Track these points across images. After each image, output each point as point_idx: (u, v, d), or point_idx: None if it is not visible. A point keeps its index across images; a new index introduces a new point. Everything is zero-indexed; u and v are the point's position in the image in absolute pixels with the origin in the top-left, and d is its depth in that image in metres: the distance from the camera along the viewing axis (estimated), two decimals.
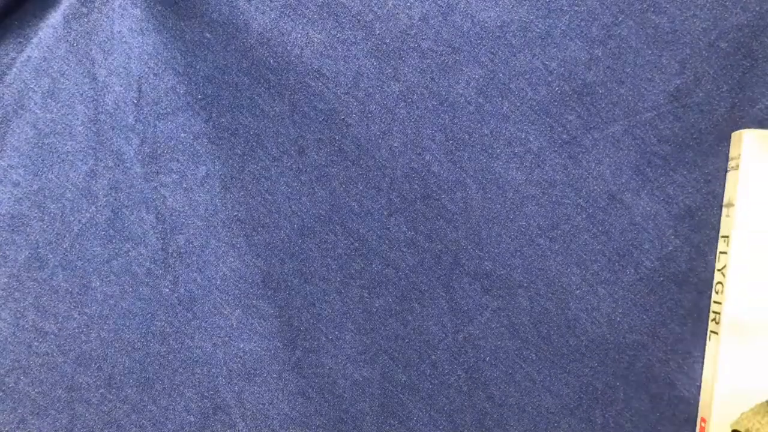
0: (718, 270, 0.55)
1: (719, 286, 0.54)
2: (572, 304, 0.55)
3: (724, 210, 0.55)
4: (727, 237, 0.54)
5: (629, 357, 0.55)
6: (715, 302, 0.55)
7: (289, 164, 0.57)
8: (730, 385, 0.53)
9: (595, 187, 0.56)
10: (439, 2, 0.57)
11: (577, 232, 0.55)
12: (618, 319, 0.55)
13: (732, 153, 0.55)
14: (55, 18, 0.59)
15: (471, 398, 0.56)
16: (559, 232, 0.56)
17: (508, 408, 0.56)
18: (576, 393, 0.55)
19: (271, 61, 0.57)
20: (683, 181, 0.55)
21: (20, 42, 0.59)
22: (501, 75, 0.56)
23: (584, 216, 0.55)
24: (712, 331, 0.55)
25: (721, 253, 0.55)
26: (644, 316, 0.55)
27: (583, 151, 0.56)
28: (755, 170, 0.54)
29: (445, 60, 0.57)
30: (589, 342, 0.55)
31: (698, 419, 0.55)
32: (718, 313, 0.54)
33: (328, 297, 0.56)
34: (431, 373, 0.56)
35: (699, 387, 0.54)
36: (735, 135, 0.55)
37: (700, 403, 0.55)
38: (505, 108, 0.56)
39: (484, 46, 0.57)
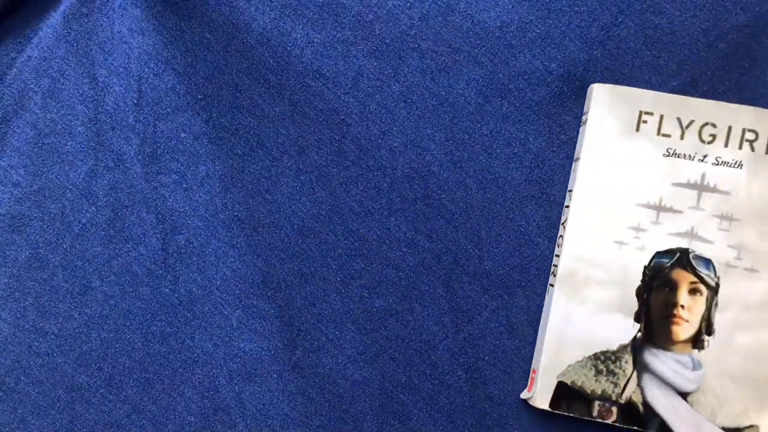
0: (562, 224, 0.55)
1: (560, 239, 0.55)
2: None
3: (573, 165, 0.56)
4: (571, 191, 0.55)
5: None
6: (556, 255, 0.55)
7: (289, 164, 0.57)
8: (559, 338, 0.54)
9: None
10: (439, 3, 0.57)
11: None
12: None
13: (585, 107, 0.56)
14: (55, 18, 0.59)
15: (471, 398, 0.56)
16: (557, 231, 0.56)
17: (507, 407, 0.56)
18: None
19: (271, 61, 0.57)
20: None
21: (20, 42, 0.59)
22: (501, 75, 0.56)
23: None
24: (550, 284, 0.55)
25: (565, 207, 0.55)
26: None
27: None
28: (601, 124, 0.55)
29: (445, 60, 0.57)
30: None
31: (530, 371, 0.56)
32: (556, 266, 0.55)
33: (328, 297, 0.56)
34: (431, 373, 0.56)
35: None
36: (589, 89, 0.55)
37: (534, 356, 0.56)
38: (504, 108, 0.56)
39: (484, 46, 0.57)
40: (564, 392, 0.54)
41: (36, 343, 0.58)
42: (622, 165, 0.54)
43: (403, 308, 0.56)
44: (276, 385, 0.57)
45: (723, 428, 0.53)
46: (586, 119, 0.55)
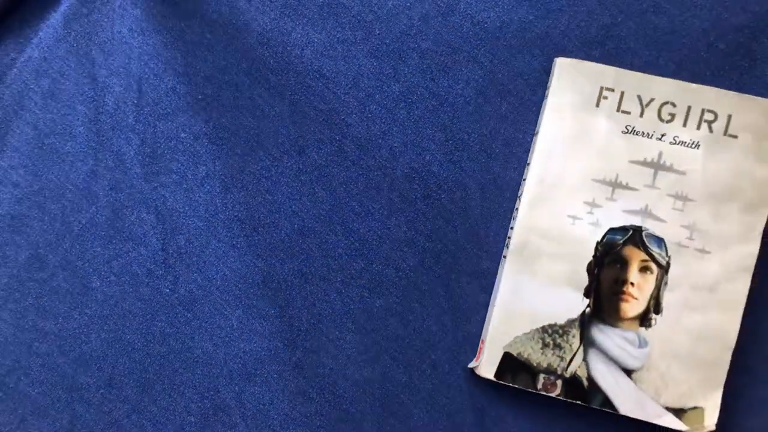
0: (519, 197, 0.55)
1: (516, 211, 0.55)
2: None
3: (534, 138, 0.56)
4: (529, 165, 0.55)
5: None
6: (510, 228, 0.56)
7: (289, 164, 0.57)
8: (507, 309, 0.54)
9: None
10: (438, 3, 0.57)
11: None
12: None
13: (549, 81, 0.56)
14: (55, 18, 0.59)
15: (471, 397, 0.56)
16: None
17: (506, 408, 0.56)
18: None
19: (272, 61, 0.57)
20: None
21: (20, 42, 0.59)
22: (500, 75, 0.56)
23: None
24: (503, 256, 0.55)
25: (523, 180, 0.56)
26: None
27: None
28: (562, 98, 0.55)
29: (444, 60, 0.57)
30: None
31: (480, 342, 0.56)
32: (510, 238, 0.55)
33: (328, 297, 0.56)
34: (431, 373, 0.56)
35: None
36: (554, 63, 0.55)
37: (484, 326, 0.56)
38: (503, 108, 0.56)
39: (484, 46, 0.57)
40: (510, 363, 0.54)
41: (36, 344, 0.58)
42: (580, 140, 0.54)
43: (403, 308, 0.56)
44: (276, 385, 0.57)
45: (667, 408, 0.53)
46: (548, 93, 0.55)
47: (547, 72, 0.56)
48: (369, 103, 0.57)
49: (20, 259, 0.58)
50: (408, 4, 0.57)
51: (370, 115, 0.57)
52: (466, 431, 0.55)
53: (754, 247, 0.53)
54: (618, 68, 0.54)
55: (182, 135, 0.58)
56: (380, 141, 0.57)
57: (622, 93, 0.54)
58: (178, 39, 0.58)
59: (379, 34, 0.57)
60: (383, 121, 0.57)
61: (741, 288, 0.53)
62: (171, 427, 0.57)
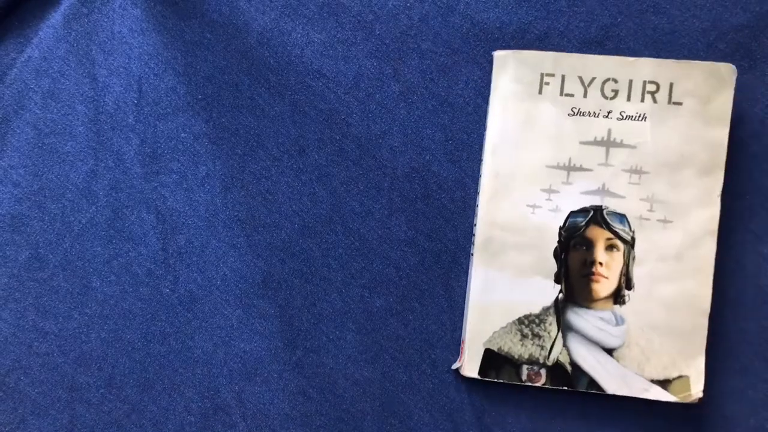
0: (479, 194, 0.55)
1: (477, 208, 0.55)
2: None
3: (484, 134, 0.56)
4: (482, 161, 0.55)
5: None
6: (474, 224, 0.56)
7: (289, 164, 0.57)
8: (481, 306, 0.54)
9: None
10: (438, 3, 0.57)
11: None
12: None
13: (492, 75, 0.56)
14: (55, 18, 0.59)
15: (470, 397, 0.56)
16: None
17: (505, 406, 0.56)
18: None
19: (272, 61, 0.57)
20: None
21: (20, 42, 0.59)
22: None
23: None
24: (471, 253, 0.55)
25: (480, 176, 0.56)
26: None
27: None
28: (505, 90, 0.55)
29: (444, 60, 0.57)
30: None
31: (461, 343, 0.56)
32: (474, 235, 0.55)
33: (328, 297, 0.56)
34: (431, 373, 0.56)
35: None
36: (493, 56, 0.55)
37: (462, 326, 0.56)
38: None
39: (483, 47, 0.57)
40: (492, 359, 0.54)
41: (36, 343, 0.58)
42: (529, 129, 0.54)
43: (403, 308, 0.56)
44: (276, 385, 0.57)
45: (652, 381, 0.53)
46: (491, 87, 0.55)
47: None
48: (369, 103, 0.57)
49: (20, 258, 0.58)
50: (408, 5, 0.57)
51: (370, 115, 0.57)
52: (465, 430, 0.56)
53: (715, 210, 0.53)
54: (556, 53, 0.55)
55: (182, 135, 0.58)
56: (380, 141, 0.57)
57: (563, 76, 0.54)
58: (178, 39, 0.58)
59: (379, 34, 0.57)
60: (383, 121, 0.57)
61: (708, 252, 0.53)
62: (171, 426, 0.57)
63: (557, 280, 0.54)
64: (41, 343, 0.58)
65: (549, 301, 0.54)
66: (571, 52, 0.56)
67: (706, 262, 0.53)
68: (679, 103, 0.53)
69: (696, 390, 0.53)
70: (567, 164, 0.54)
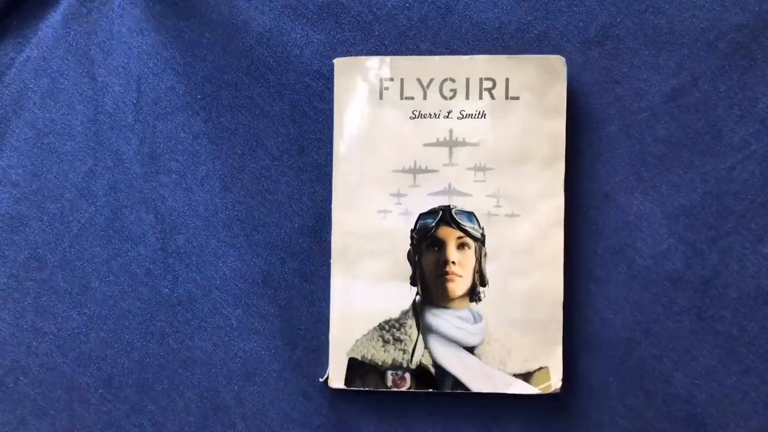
0: (332, 204, 0.56)
1: (332, 217, 0.56)
2: (565, 301, 0.55)
3: (333, 143, 0.56)
4: (333, 170, 0.56)
5: (622, 354, 0.55)
6: (330, 234, 0.56)
7: (289, 163, 0.57)
8: (343, 315, 0.55)
9: (590, 186, 0.56)
10: (437, 4, 0.57)
11: (571, 230, 0.55)
12: (610, 316, 0.55)
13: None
14: (54, 18, 0.59)
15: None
16: None
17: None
18: (571, 390, 0.55)
19: (271, 61, 0.57)
20: (678, 181, 0.55)
21: (19, 42, 0.59)
22: None
23: (578, 214, 0.56)
24: (330, 263, 0.56)
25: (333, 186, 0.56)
26: (637, 314, 0.55)
27: (578, 150, 0.56)
28: (347, 98, 0.56)
29: None
30: (582, 339, 0.55)
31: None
32: (330, 245, 0.56)
33: (328, 296, 0.56)
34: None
35: (697, 385, 0.55)
36: (333, 64, 0.56)
37: (329, 338, 0.56)
38: None
39: (482, 47, 0.57)
40: (357, 368, 0.55)
41: (35, 344, 0.58)
42: (373, 135, 0.55)
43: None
44: (276, 384, 0.57)
45: (514, 375, 0.54)
46: (334, 96, 0.56)
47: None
48: None
49: (19, 258, 0.58)
50: (407, 5, 0.57)
51: None
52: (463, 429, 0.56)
53: (559, 201, 0.54)
54: (393, 57, 0.56)
55: (181, 134, 0.58)
56: None
57: (402, 80, 0.55)
58: (177, 38, 0.58)
59: (378, 35, 0.57)
60: None
61: (556, 243, 0.54)
62: (170, 426, 0.57)
63: (413, 283, 0.55)
64: (40, 343, 0.58)
65: (407, 304, 0.55)
66: (571, 52, 0.56)
67: (555, 252, 0.54)
68: (516, 98, 0.54)
69: (555, 380, 0.54)
70: (413, 167, 0.55)
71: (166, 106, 0.58)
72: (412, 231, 0.55)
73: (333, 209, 0.55)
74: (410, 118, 0.55)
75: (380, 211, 0.55)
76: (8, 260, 0.58)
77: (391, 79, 0.55)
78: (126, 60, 0.58)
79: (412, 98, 0.55)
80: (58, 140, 0.58)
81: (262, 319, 0.57)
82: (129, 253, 0.58)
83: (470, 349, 0.54)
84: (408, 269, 0.54)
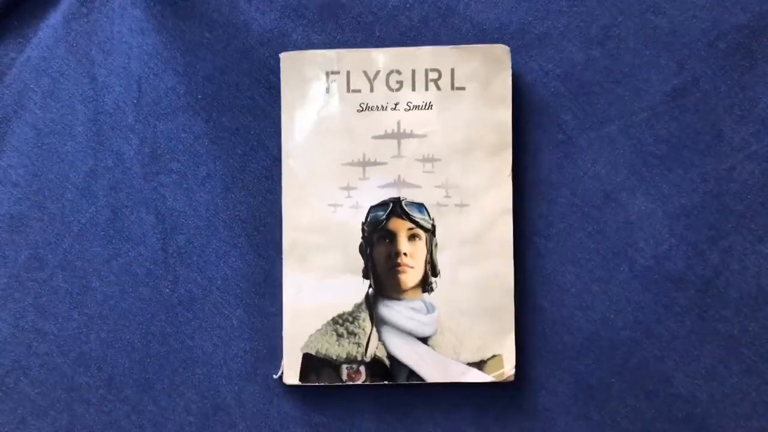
0: (282, 199, 0.56)
1: (281, 213, 0.56)
2: (567, 301, 0.55)
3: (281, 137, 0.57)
4: (281, 164, 0.56)
5: (623, 354, 0.55)
6: (281, 229, 0.56)
7: None
8: (295, 310, 0.55)
9: (591, 186, 0.56)
10: (438, 4, 0.57)
11: (572, 230, 0.56)
12: (612, 316, 0.55)
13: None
14: (54, 18, 0.59)
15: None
16: (555, 230, 0.56)
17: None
18: (571, 389, 0.55)
19: (272, 61, 0.57)
20: (679, 181, 0.55)
21: (20, 42, 0.59)
22: None
23: (579, 215, 0.56)
24: (282, 258, 0.56)
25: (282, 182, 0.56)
26: (638, 314, 0.55)
27: (579, 150, 0.56)
28: (294, 92, 0.56)
29: None
30: (584, 339, 0.55)
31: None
32: (282, 240, 0.56)
33: None
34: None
35: (698, 385, 0.55)
36: (280, 58, 0.56)
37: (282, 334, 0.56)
38: None
39: None
40: (311, 363, 0.55)
41: (35, 344, 0.58)
42: (320, 129, 0.55)
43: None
44: (276, 384, 0.57)
45: (468, 364, 0.54)
46: (281, 90, 0.56)
47: (546, 73, 0.56)
48: None
49: (20, 259, 0.58)
50: (408, 6, 0.57)
51: None
52: (465, 428, 0.56)
53: (507, 189, 0.55)
54: (339, 50, 0.56)
55: (182, 135, 0.58)
56: None
57: (348, 73, 0.55)
58: (177, 39, 0.58)
59: (379, 35, 0.57)
60: None
61: (505, 232, 0.55)
62: (171, 426, 0.57)
63: (366, 276, 0.55)
64: (41, 343, 0.58)
65: (360, 297, 0.55)
66: (572, 52, 0.56)
67: (504, 241, 0.55)
68: (462, 89, 0.55)
69: (509, 368, 0.54)
70: (362, 160, 0.55)
71: (166, 106, 0.58)
72: (363, 224, 0.55)
73: (283, 204, 0.55)
74: (358, 111, 0.55)
75: (331, 205, 0.55)
76: (9, 260, 0.58)
77: (338, 72, 0.55)
78: (126, 60, 0.58)
79: (359, 91, 0.55)
80: (59, 140, 0.58)
81: (263, 318, 0.57)
82: (130, 253, 0.58)
83: (424, 340, 0.54)
84: (360, 262, 0.55)
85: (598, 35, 0.56)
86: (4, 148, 0.58)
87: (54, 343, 0.58)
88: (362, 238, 0.55)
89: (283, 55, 0.56)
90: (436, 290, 0.55)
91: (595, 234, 0.56)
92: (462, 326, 0.54)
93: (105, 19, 0.59)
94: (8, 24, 0.59)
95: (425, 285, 0.55)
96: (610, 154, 0.56)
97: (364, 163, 0.55)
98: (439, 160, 0.55)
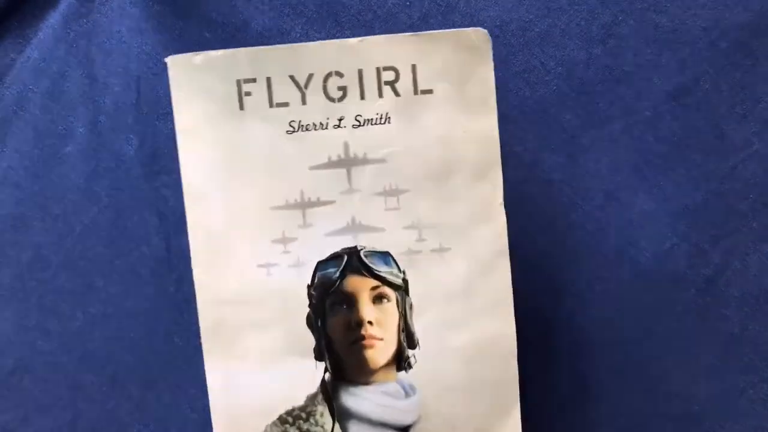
0: (192, 265, 0.42)
1: (193, 283, 0.41)
2: (568, 300, 0.55)
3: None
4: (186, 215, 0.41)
5: (623, 354, 0.55)
6: (196, 307, 0.42)
7: None
8: (229, 412, 0.43)
9: (593, 186, 0.56)
10: (438, 2, 0.57)
11: (574, 229, 0.55)
12: (613, 315, 0.55)
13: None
14: (54, 18, 0.59)
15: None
16: (556, 230, 0.56)
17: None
18: (570, 388, 0.55)
19: None
20: (681, 180, 0.55)
21: (20, 43, 0.59)
22: (499, 75, 0.56)
23: (581, 214, 0.56)
24: (199, 344, 0.42)
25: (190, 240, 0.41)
26: (640, 313, 0.55)
27: (581, 149, 0.56)
28: (190, 112, 0.40)
29: None
30: (584, 338, 0.55)
31: None
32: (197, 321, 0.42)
33: None
34: None
35: (698, 384, 0.55)
36: (166, 64, 0.41)
37: None
38: (503, 108, 0.56)
39: None
40: None
41: (39, 343, 0.58)
42: (236, 162, 0.40)
43: None
44: None
45: None
46: (173, 111, 0.41)
47: (547, 71, 0.56)
48: None
49: (23, 259, 0.58)
50: (408, 4, 0.57)
51: None
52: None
53: (501, 224, 0.41)
54: (251, 48, 0.40)
55: None
56: None
57: (269, 80, 0.40)
58: (177, 38, 0.58)
59: (379, 34, 0.57)
60: None
61: (502, 278, 0.41)
62: (174, 424, 0.58)
63: (319, 357, 0.41)
64: (44, 342, 0.58)
65: (314, 386, 0.41)
66: (573, 50, 0.56)
67: (501, 290, 0.41)
68: (429, 91, 0.40)
69: None
70: (299, 200, 0.40)
71: (166, 106, 0.58)
72: (309, 287, 0.41)
73: (194, 269, 0.41)
74: (287, 132, 0.40)
75: (262, 266, 0.40)
76: (12, 261, 0.58)
77: (254, 80, 0.40)
78: (126, 60, 0.58)
79: (286, 104, 0.40)
80: (59, 141, 0.58)
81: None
82: (133, 252, 0.58)
83: (404, 430, 0.41)
84: (310, 339, 0.41)
85: (599, 34, 0.56)
86: (5, 150, 0.58)
87: (57, 341, 0.58)
88: (310, 306, 0.41)
89: (169, 60, 0.41)
90: (415, 366, 0.41)
91: (597, 233, 0.55)
92: (453, 408, 0.41)
93: (104, 19, 0.59)
94: (8, 24, 0.59)
95: (400, 361, 0.41)
96: (612, 153, 0.56)
97: (304, 205, 0.40)
98: (407, 191, 0.40)
